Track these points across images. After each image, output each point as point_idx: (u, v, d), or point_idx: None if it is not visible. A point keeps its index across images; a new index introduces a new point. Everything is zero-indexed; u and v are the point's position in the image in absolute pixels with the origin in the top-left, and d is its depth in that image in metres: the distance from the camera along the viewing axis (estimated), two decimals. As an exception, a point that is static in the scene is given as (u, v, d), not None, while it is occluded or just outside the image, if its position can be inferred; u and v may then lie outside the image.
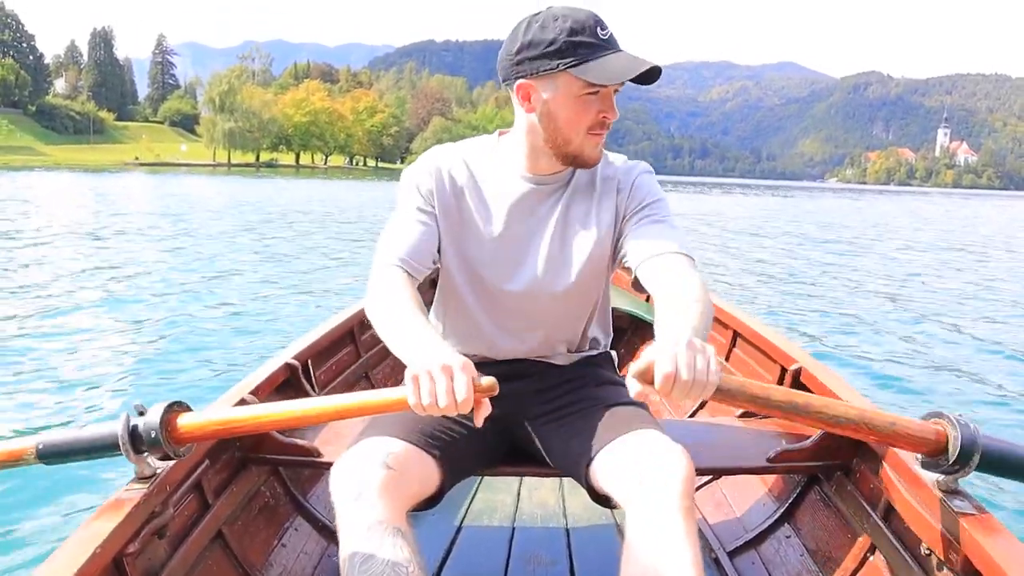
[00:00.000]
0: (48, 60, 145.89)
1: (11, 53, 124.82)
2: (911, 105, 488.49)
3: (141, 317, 7.38)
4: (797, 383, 2.18)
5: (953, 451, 1.33)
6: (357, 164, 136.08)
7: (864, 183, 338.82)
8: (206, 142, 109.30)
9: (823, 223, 27.05)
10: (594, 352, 1.81)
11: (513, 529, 2.32)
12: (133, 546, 1.36)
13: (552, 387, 1.72)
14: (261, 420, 1.43)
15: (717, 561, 2.10)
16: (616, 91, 1.53)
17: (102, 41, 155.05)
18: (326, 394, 2.31)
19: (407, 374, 1.25)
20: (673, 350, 1.17)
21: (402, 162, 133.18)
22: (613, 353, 1.88)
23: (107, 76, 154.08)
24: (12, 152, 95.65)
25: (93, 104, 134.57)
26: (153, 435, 1.37)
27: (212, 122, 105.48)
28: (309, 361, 2.37)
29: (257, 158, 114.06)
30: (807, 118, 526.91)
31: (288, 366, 2.21)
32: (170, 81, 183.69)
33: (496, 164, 1.67)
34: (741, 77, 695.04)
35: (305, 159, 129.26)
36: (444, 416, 1.36)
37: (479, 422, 1.27)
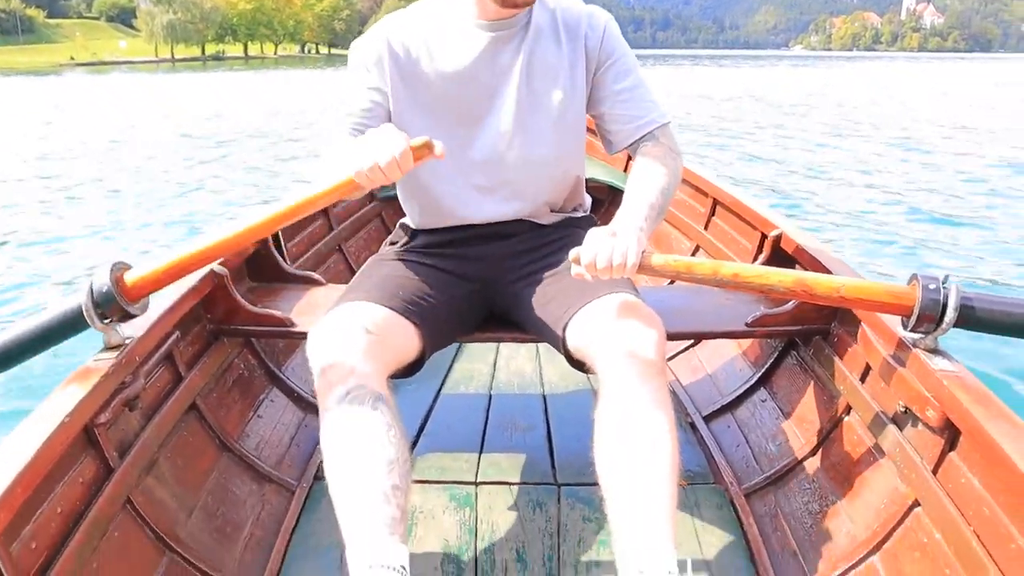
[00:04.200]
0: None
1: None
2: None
3: (98, 209, 7.45)
4: (777, 249, 2.16)
5: (915, 312, 1.36)
6: (309, 52, 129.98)
7: (829, 49, 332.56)
8: (146, 37, 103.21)
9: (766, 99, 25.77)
10: (577, 215, 1.81)
11: (490, 396, 2.32)
12: (104, 416, 1.34)
13: (534, 248, 1.70)
14: (214, 248, 1.41)
15: (692, 425, 2.12)
16: None
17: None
18: (298, 267, 2.23)
19: (352, 165, 1.33)
20: (596, 244, 1.34)
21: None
22: (595, 219, 1.84)
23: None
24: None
25: (19, 1, 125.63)
26: (106, 289, 1.36)
27: (150, 14, 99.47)
28: (280, 233, 2.29)
29: (203, 51, 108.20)
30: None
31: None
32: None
33: (449, 18, 1.60)
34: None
35: (254, 49, 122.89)
36: (422, 282, 1.53)
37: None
